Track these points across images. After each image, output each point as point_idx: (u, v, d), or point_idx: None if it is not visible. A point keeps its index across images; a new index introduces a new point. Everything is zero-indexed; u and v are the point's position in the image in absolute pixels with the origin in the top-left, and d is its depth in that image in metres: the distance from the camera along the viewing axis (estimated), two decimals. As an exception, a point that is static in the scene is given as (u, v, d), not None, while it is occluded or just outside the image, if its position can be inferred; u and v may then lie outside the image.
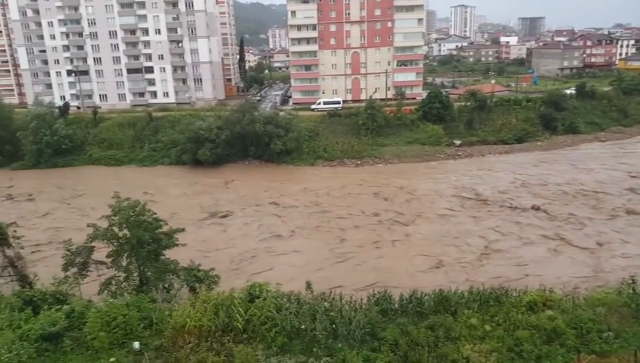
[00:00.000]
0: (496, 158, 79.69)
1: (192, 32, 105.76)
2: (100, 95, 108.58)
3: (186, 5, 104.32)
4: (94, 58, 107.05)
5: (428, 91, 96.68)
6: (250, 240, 49.07)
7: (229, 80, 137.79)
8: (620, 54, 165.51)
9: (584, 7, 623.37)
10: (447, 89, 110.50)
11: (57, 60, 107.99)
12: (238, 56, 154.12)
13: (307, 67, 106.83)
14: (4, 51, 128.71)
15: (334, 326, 19.34)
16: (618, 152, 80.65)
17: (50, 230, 52.49)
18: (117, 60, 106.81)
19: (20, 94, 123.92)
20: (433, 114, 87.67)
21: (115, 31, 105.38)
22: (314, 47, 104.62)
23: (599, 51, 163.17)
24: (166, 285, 29.99)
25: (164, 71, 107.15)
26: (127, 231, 28.75)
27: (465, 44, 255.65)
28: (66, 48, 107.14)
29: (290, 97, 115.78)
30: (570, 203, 56.59)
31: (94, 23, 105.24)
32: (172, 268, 30.20)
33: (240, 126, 78.33)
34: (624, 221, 50.17)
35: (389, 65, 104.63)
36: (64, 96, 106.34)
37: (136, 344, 18.23)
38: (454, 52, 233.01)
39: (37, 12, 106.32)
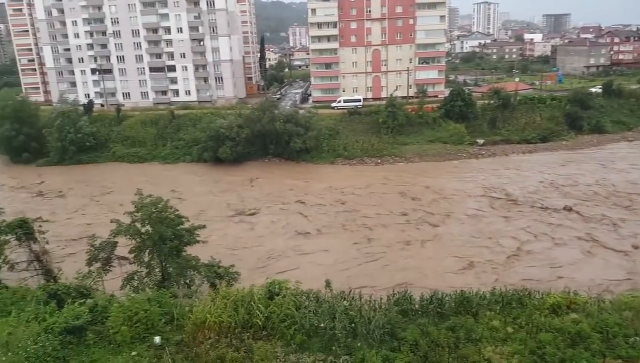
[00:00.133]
0: (520, 157, 78.39)
1: (213, 30, 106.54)
2: (123, 93, 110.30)
3: (207, 4, 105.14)
4: (117, 57, 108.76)
5: (450, 88, 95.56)
6: (278, 238, 48.98)
7: (250, 78, 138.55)
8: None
9: (611, 4, 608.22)
10: (470, 87, 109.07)
11: (82, 58, 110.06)
12: (259, 54, 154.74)
13: (328, 65, 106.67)
14: (30, 49, 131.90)
15: (353, 325, 19.28)
16: (647, 152, 78.55)
17: (82, 226, 53.22)
18: (139, 58, 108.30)
19: (46, 92, 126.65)
20: (455, 113, 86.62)
21: (138, 30, 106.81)
22: (334, 44, 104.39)
23: (627, 48, 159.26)
24: (187, 281, 30.36)
25: (186, 69, 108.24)
26: (149, 228, 29.17)
27: (488, 41, 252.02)
28: (90, 47, 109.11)
29: (310, 95, 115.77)
30: (602, 203, 55.22)
31: (117, 22, 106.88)
32: (193, 264, 30.53)
33: (260, 124, 78.65)
34: (660, 223, 48.67)
35: (410, 62, 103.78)
36: (88, 94, 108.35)
37: (157, 339, 18.43)
38: (477, 50, 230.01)
39: (62, 11, 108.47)
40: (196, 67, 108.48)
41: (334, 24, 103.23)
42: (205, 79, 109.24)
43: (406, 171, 72.91)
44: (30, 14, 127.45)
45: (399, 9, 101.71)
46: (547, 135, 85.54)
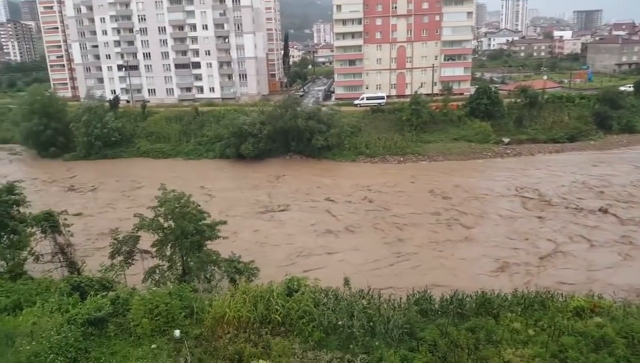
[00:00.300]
0: (547, 157, 76.80)
1: (238, 27, 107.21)
2: (149, 89, 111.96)
3: (233, 1, 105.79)
4: (143, 53, 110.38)
5: (476, 86, 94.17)
6: (307, 235, 48.63)
7: (273, 75, 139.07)
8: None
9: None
10: (497, 85, 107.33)
11: (109, 55, 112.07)
12: (282, 51, 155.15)
13: (351, 62, 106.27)
14: (60, 46, 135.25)
15: (371, 324, 19.18)
16: (681, 153, 76.01)
17: (113, 220, 53.56)
18: (165, 55, 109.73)
19: (74, 87, 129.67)
20: (481, 111, 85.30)
21: (164, 27, 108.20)
22: (358, 41, 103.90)
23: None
24: (207, 276, 30.63)
25: (211, 66, 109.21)
26: (171, 222, 29.50)
27: (516, 38, 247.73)
28: (117, 43, 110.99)
29: (333, 92, 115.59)
30: (638, 205, 53.62)
31: (144, 19, 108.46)
32: (213, 259, 30.79)
33: (282, 121, 78.86)
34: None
35: (435, 59, 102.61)
36: (114, 90, 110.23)
37: (177, 332, 18.62)
38: (505, 47, 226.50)
39: (90, 8, 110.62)
40: (220, 64, 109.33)
41: (359, 21, 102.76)
42: (229, 76, 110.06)
43: (432, 170, 72.11)
44: (60, 12, 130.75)
45: (425, 6, 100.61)
46: (574, 135, 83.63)
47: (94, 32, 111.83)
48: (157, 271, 29.94)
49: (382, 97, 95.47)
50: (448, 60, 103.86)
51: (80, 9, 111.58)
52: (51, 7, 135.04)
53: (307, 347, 18.27)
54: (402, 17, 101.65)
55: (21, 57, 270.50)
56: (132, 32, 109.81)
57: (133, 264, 31.13)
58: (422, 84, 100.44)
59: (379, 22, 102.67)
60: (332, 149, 79.31)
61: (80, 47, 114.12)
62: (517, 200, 57.15)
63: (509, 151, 78.99)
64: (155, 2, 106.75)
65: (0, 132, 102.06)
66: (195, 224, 29.71)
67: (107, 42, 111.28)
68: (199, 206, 31.29)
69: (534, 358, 16.82)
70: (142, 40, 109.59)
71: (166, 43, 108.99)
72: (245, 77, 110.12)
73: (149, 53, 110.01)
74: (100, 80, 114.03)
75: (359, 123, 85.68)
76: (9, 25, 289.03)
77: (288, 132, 79.29)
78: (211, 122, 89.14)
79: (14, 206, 33.99)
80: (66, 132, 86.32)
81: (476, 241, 46.31)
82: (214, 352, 18.00)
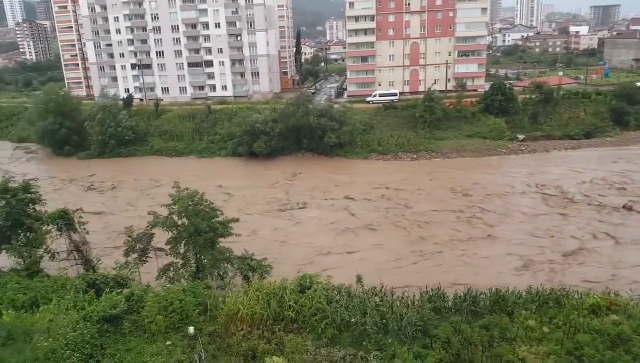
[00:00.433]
0: (562, 153, 75.90)
1: (250, 25, 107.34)
2: (162, 88, 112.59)
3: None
4: (156, 52, 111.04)
5: (491, 82, 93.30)
6: (327, 234, 48.25)
7: (285, 73, 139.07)
8: None
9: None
10: (511, 81, 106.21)
11: (122, 54, 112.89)
12: (294, 49, 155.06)
13: (364, 59, 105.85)
14: (74, 45, 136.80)
15: (384, 321, 19.15)
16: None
17: (134, 219, 53.43)
18: (178, 54, 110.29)
19: (88, 86, 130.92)
20: (495, 107, 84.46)
21: (177, 25, 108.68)
22: (371, 38, 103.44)
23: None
24: (221, 273, 30.80)
25: (223, 64, 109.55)
26: (185, 220, 29.71)
27: (531, 34, 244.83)
28: (131, 42, 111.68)
29: (345, 89, 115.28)
30: (664, 203, 52.48)
31: (157, 17, 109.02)
32: (226, 256, 30.96)
33: (294, 118, 78.88)
34: None
35: (449, 56, 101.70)
36: (128, 89, 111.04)
37: (191, 329, 18.76)
38: (519, 43, 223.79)
39: (104, 7, 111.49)
40: (233, 62, 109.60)
41: (372, 17, 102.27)
42: (242, 74, 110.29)
43: (447, 167, 71.57)
44: (75, 11, 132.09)
45: (438, 1, 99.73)
46: (590, 131, 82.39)
47: (107, 31, 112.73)
48: (171, 269, 30.19)
49: (395, 94, 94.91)
50: (462, 56, 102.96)
51: (94, 8, 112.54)
52: (65, 7, 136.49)
53: (320, 344, 18.32)
54: (415, 13, 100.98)
55: (36, 56, 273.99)
56: (146, 30, 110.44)
57: (147, 261, 31.44)
58: (435, 80, 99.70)
59: (391, 18, 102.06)
60: (344, 146, 79.15)
61: (94, 46, 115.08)
62: (538, 197, 56.47)
63: (523, 148, 78.16)
64: (168, 0, 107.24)
65: (16, 131, 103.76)
66: (208, 222, 29.90)
67: (120, 41, 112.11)
68: (212, 203, 31.48)
69: (549, 356, 16.68)
70: (155, 39, 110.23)
71: (179, 41, 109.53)
72: (258, 75, 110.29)
73: (162, 52, 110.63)
74: (114, 79, 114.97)
75: (372, 120, 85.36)
76: (24, 25, 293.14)
77: (300, 130, 79.32)
78: (224, 121, 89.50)
79: (30, 204, 34.53)
80: (80, 131, 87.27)
81: (499, 238, 45.72)
82: (228, 348, 18.11)
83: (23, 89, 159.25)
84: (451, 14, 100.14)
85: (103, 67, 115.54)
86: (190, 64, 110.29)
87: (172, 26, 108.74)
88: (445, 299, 21.65)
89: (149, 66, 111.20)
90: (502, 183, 62.56)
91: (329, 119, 78.33)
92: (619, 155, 72.81)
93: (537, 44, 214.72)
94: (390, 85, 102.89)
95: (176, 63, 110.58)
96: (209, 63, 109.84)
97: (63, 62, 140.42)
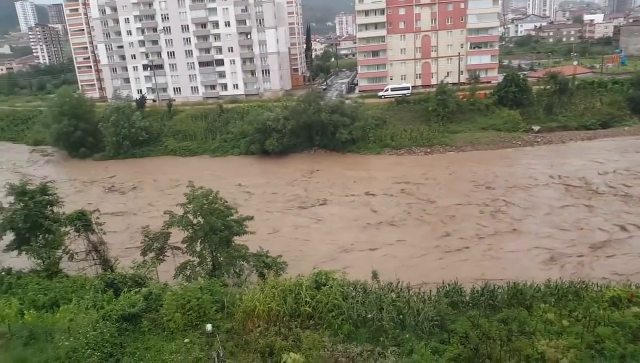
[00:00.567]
0: (578, 144, 74.77)
1: (260, 23, 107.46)
2: (174, 88, 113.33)
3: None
4: (167, 52, 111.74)
5: (504, 74, 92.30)
6: (349, 231, 47.81)
7: (296, 70, 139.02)
8: None
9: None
10: (525, 72, 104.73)
11: (134, 55, 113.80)
12: (305, 45, 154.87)
13: (375, 53, 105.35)
14: (86, 48, 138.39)
15: (401, 317, 19.08)
16: None
17: (157, 218, 54.18)
18: (189, 53, 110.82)
19: (101, 88, 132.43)
20: (509, 99, 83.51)
21: (187, 25, 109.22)
22: (382, 32, 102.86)
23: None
24: (237, 270, 30.98)
25: (234, 63, 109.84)
26: (200, 219, 29.92)
27: (544, 23, 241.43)
28: (142, 43, 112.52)
29: (356, 84, 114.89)
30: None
31: (167, 18, 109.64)
32: (242, 253, 31.12)
33: (306, 115, 78.82)
34: None
35: (461, 48, 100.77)
36: (140, 90, 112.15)
37: (209, 326, 18.86)
38: (532, 33, 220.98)
39: (114, 9, 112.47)
40: (243, 61, 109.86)
41: (382, 11, 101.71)
42: (252, 72, 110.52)
43: (462, 160, 70.79)
44: (86, 14, 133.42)
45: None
46: (607, 121, 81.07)
47: (118, 33, 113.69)
48: (188, 267, 30.45)
49: (407, 88, 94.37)
50: (474, 48, 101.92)
51: (104, 10, 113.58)
52: (76, 10, 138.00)
53: (336, 340, 18.32)
54: (425, 5, 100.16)
55: (50, 60, 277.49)
56: (156, 31, 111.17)
57: (164, 260, 31.72)
58: (448, 73, 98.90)
59: (402, 11, 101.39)
60: (356, 142, 78.93)
61: (106, 48, 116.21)
62: (561, 189, 55.60)
63: (539, 139, 77.21)
64: (178, 0, 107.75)
65: (32, 135, 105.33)
66: (223, 220, 30.09)
67: (131, 43, 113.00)
68: (226, 202, 31.66)
69: (569, 349, 16.46)
70: (166, 40, 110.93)
71: (189, 41, 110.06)
72: (268, 73, 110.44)
73: (173, 52, 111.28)
74: (127, 80, 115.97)
75: (384, 115, 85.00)
76: (37, 29, 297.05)
77: (312, 126, 79.26)
78: (235, 119, 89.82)
79: (48, 206, 35.03)
80: (95, 133, 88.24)
81: (525, 232, 44.95)
82: (246, 345, 18.19)
83: (37, 92, 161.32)
84: (462, 5, 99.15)
85: (115, 68, 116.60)
86: (201, 64, 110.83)
87: (182, 26, 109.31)
88: (462, 294, 21.52)
89: (160, 66, 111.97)
90: (523, 175, 61.59)
91: (340, 115, 78.16)
92: (636, 145, 71.49)
93: (551, 33, 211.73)
94: (402, 79, 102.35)
95: (187, 63, 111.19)
96: (220, 62, 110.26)
97: (76, 65, 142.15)
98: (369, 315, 19.18)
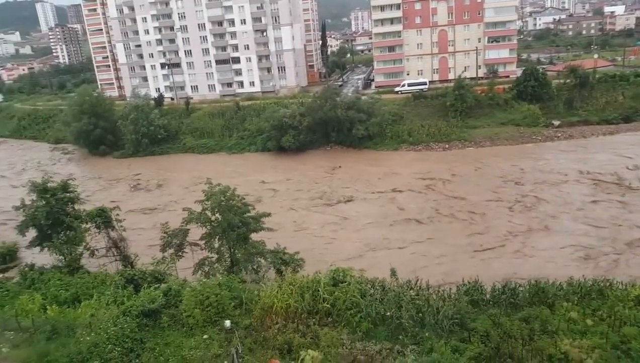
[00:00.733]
0: (600, 139, 72.96)
1: (275, 20, 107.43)
2: (191, 86, 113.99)
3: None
4: (184, 51, 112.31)
5: (523, 68, 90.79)
6: (376, 228, 47.26)
7: (312, 66, 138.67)
8: None
9: None
10: (544, 66, 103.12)
11: (152, 54, 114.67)
12: (320, 42, 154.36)
13: (391, 49, 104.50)
14: (105, 47, 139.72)
15: (420, 315, 18.91)
16: None
17: (183, 215, 54.72)
18: (206, 52, 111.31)
19: (120, 87, 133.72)
20: (528, 93, 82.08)
21: (204, 23, 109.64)
22: (398, 27, 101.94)
23: None
24: (255, 267, 31.07)
25: (250, 60, 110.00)
26: (218, 215, 30.05)
27: (563, 16, 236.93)
28: (159, 42, 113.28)
29: (372, 80, 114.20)
30: None
31: (184, 17, 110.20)
32: (260, 250, 31.19)
33: (322, 112, 78.64)
34: None
35: (479, 42, 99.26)
36: (158, 88, 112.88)
37: (227, 322, 18.94)
38: (551, 26, 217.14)
39: (132, 9, 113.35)
40: (259, 58, 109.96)
41: (398, 6, 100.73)
42: (269, 69, 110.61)
43: (482, 155, 69.62)
44: (104, 13, 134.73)
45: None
46: (630, 115, 79.12)
47: (136, 32, 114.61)
48: (207, 263, 30.65)
49: (424, 83, 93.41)
50: (492, 42, 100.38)
51: (122, 9, 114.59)
52: (95, 10, 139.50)
53: (355, 338, 18.23)
54: (442, 0, 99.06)
55: (69, 59, 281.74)
56: (173, 30, 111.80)
57: (183, 256, 31.94)
58: (465, 68, 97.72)
59: (418, 6, 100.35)
60: (373, 138, 78.45)
61: (124, 47, 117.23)
62: (592, 184, 54.23)
63: (559, 134, 75.80)
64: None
65: (53, 133, 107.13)
66: (240, 217, 30.17)
67: (149, 42, 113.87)
68: (244, 198, 31.74)
69: (593, 350, 16.09)
70: (182, 38, 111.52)
71: (206, 40, 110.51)
72: (284, 70, 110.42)
73: (190, 50, 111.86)
74: (145, 79, 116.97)
75: (401, 111, 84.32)
76: (57, 29, 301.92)
77: (328, 123, 79.07)
78: (252, 116, 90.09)
79: (69, 203, 35.54)
80: (114, 131, 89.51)
81: (558, 229, 43.77)
82: (264, 341, 18.23)
83: (58, 91, 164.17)
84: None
85: (133, 67, 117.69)
86: (218, 62, 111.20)
87: (198, 24, 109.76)
88: (482, 292, 21.23)
89: (177, 65, 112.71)
90: (551, 171, 60.12)
91: (356, 111, 77.77)
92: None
93: (570, 26, 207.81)
94: (419, 74, 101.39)
95: (204, 61, 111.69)
96: (236, 60, 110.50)
97: (95, 64, 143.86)
98: (388, 313, 19.06)
